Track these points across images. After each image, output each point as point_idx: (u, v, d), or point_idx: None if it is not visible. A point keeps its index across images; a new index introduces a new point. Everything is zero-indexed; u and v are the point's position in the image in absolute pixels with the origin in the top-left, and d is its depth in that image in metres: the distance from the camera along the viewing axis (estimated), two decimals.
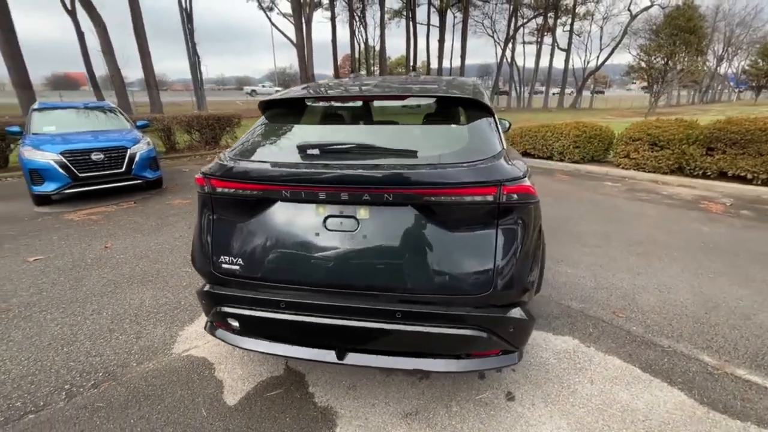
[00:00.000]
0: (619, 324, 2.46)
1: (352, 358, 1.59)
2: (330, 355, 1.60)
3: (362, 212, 1.50)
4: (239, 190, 1.55)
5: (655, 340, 2.31)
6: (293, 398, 1.88)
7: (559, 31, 36.45)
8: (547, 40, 37.00)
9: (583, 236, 4.02)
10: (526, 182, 1.52)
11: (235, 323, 1.65)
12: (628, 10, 35.47)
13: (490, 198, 1.44)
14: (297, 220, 1.55)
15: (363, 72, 34.42)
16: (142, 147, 5.85)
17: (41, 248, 3.85)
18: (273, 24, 26.59)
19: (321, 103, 2.06)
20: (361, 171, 1.44)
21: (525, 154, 8.34)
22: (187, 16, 27.30)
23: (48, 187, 5.20)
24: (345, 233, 1.50)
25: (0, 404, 1.84)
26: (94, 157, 5.38)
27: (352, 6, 31.35)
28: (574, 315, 2.57)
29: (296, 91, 2.05)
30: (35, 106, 6.26)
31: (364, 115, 2.09)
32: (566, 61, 37.22)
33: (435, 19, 33.07)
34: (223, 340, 1.75)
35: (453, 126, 1.84)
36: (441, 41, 31.60)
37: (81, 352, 2.24)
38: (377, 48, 33.65)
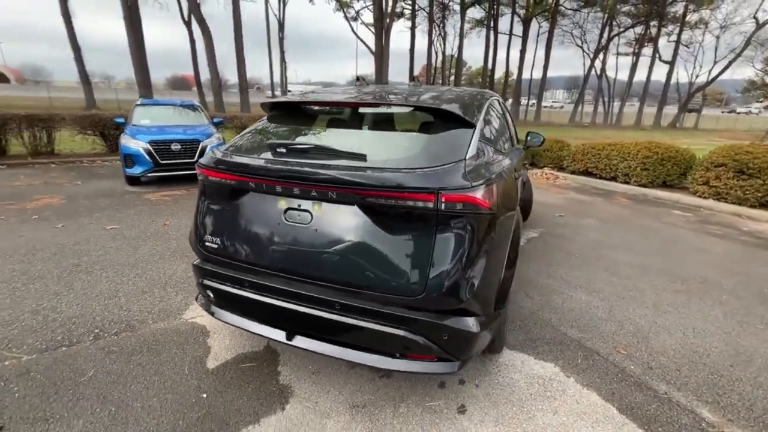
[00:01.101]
0: (615, 360, 2.26)
1: (298, 341, 1.74)
2: (281, 335, 1.77)
3: (317, 208, 1.64)
4: (222, 179, 1.80)
5: (650, 383, 2.09)
6: (261, 373, 2.08)
7: (662, 41, 32.90)
8: (646, 51, 33.62)
9: (617, 265, 3.69)
10: (473, 193, 1.54)
11: (212, 295, 1.90)
12: (754, 18, 30.70)
13: (429, 205, 1.49)
14: (263, 209, 1.74)
15: (422, 80, 34.54)
16: (212, 140, 6.65)
17: (119, 219, 4.62)
18: (355, 33, 28.01)
19: (311, 107, 2.25)
20: (308, 169, 1.59)
21: (587, 173, 7.76)
22: (279, 26, 29.94)
23: (136, 170, 6.19)
24: (300, 225, 1.66)
25: (47, 336, 2.33)
26: (173, 147, 6.28)
27: (433, 16, 31.68)
28: (567, 342, 2.42)
29: (294, 95, 2.27)
30: (138, 102, 7.48)
31: (347, 120, 2.22)
32: (669, 74, 33.30)
33: (519, 29, 32.00)
34: (203, 309, 2.02)
35: (415, 134, 1.89)
36: (522, 51, 30.41)
37: (116, 306, 2.71)
38: (456, 57, 33.58)
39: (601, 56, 34.03)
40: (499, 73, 35.75)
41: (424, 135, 1.86)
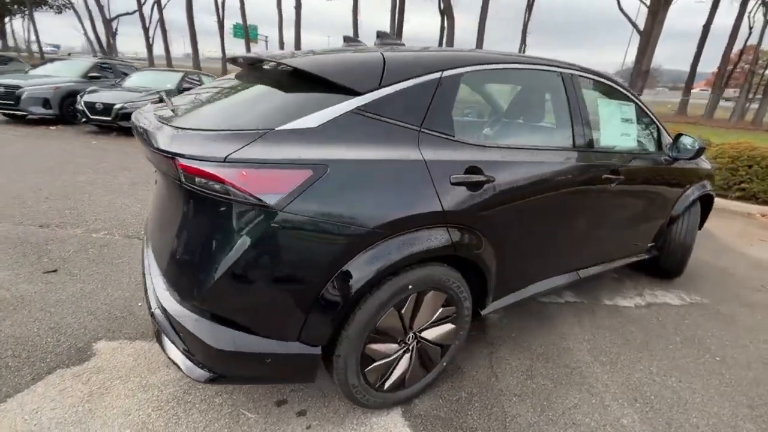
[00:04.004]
0: None
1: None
2: None
3: (158, 175, 1.58)
4: None
5: None
6: None
7: None
8: None
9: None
10: (223, 169, 1.13)
11: None
12: None
13: (180, 174, 1.18)
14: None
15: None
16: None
17: None
18: (621, 9, 23.05)
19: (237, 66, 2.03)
20: (143, 126, 1.43)
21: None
22: (527, 7, 28.20)
23: None
24: (156, 187, 1.66)
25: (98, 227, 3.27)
26: None
27: None
28: None
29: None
30: None
31: (241, 80, 1.85)
32: None
33: None
34: None
35: (276, 96, 1.45)
36: None
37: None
38: None
39: None
40: None
41: (278, 97, 1.46)
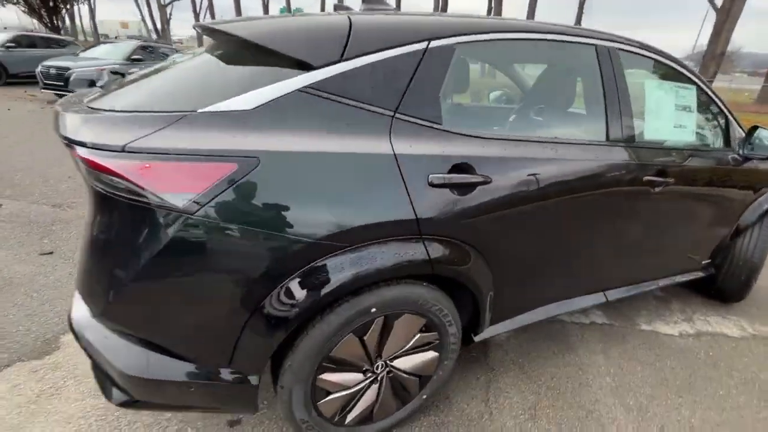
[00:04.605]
0: None
1: None
2: None
3: None
4: None
5: None
6: None
7: None
8: None
9: None
10: (114, 161, 0.91)
11: None
12: None
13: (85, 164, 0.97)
14: None
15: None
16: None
17: None
18: None
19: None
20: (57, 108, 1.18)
21: None
22: None
23: None
24: None
25: None
26: None
27: None
28: None
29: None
30: None
31: (204, 52, 1.58)
32: None
33: None
34: None
35: (201, 66, 1.20)
36: None
37: None
38: None
39: None
40: None
41: (215, 73, 1.21)
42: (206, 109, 0.99)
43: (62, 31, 19.71)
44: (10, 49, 10.37)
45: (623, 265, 1.89)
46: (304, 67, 1.08)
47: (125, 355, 1.06)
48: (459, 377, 1.78)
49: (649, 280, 2.08)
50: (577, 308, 1.80)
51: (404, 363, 1.39)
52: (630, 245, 1.83)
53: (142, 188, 0.91)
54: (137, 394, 1.11)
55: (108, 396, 1.16)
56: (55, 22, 19.27)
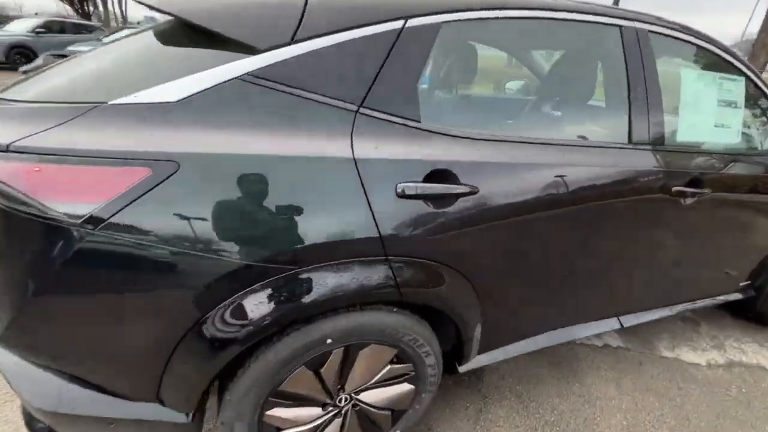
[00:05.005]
0: None
1: None
2: None
3: None
4: None
5: None
6: None
7: None
8: None
9: None
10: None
11: None
12: None
13: None
14: None
15: None
16: None
17: None
18: None
19: None
20: None
21: None
22: None
23: None
24: None
25: None
26: None
27: None
28: None
29: None
30: None
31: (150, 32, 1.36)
32: None
33: None
34: None
35: (137, 50, 1.02)
36: None
37: None
38: None
39: None
40: None
41: (145, 57, 1.03)
42: (120, 101, 0.82)
43: (93, 18, 20.19)
44: (39, 35, 10.69)
45: (642, 287, 1.63)
46: (248, 50, 0.89)
47: (37, 385, 0.93)
48: (444, 404, 1.59)
49: (674, 304, 1.81)
50: (584, 336, 1.56)
51: (373, 396, 1.21)
52: (652, 266, 1.56)
53: (28, 196, 0.75)
54: (59, 427, 0.98)
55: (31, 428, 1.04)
56: (86, 8, 19.78)
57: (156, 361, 0.90)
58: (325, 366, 1.07)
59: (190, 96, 0.84)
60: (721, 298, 1.96)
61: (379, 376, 1.17)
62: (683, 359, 1.98)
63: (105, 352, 0.89)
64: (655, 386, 1.78)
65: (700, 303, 1.89)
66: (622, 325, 1.63)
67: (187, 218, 0.81)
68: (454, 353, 1.34)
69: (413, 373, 1.22)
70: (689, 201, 1.44)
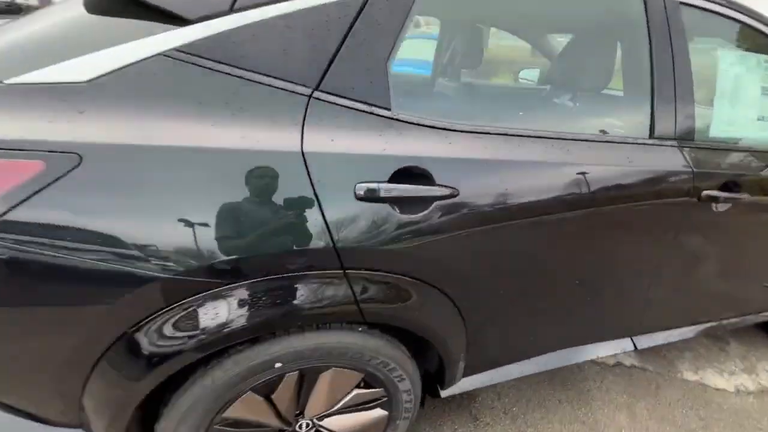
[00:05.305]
0: None
1: None
2: None
3: None
4: None
5: None
6: None
7: None
8: None
9: None
10: None
11: None
12: None
13: None
14: None
15: None
16: None
17: None
18: None
19: None
20: None
21: None
22: None
23: None
24: None
25: None
26: None
27: None
28: None
29: None
30: None
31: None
32: None
33: None
34: None
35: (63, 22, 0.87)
36: None
37: None
38: None
39: None
40: None
41: (62, 30, 0.87)
42: (17, 80, 0.69)
43: None
44: None
45: (660, 304, 1.42)
46: (175, 20, 0.74)
47: None
48: (430, 427, 1.43)
49: (697, 324, 1.58)
50: (589, 358, 1.37)
51: (340, 423, 1.07)
52: (673, 279, 1.35)
53: None
54: None
55: None
56: None
57: (70, 381, 0.78)
58: (277, 391, 0.93)
59: (103, 75, 0.70)
60: (758, 318, 1.72)
61: (345, 401, 1.03)
62: (707, 384, 1.75)
63: (7, 370, 0.78)
64: (672, 415, 1.58)
65: (733, 322, 1.66)
66: (636, 346, 1.43)
67: (92, 223, 0.68)
68: (438, 375, 1.18)
69: (385, 398, 1.07)
70: (723, 207, 1.23)
